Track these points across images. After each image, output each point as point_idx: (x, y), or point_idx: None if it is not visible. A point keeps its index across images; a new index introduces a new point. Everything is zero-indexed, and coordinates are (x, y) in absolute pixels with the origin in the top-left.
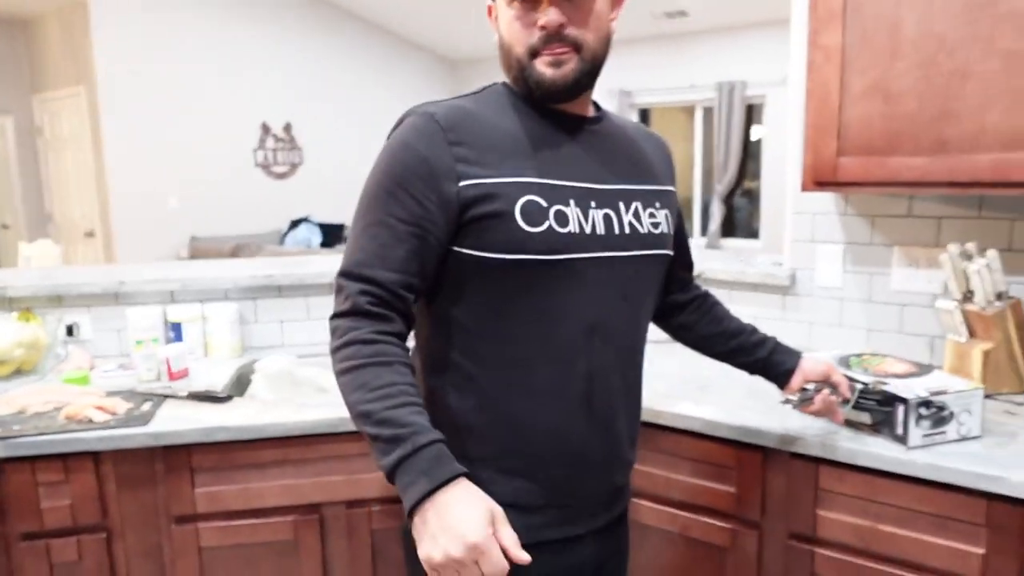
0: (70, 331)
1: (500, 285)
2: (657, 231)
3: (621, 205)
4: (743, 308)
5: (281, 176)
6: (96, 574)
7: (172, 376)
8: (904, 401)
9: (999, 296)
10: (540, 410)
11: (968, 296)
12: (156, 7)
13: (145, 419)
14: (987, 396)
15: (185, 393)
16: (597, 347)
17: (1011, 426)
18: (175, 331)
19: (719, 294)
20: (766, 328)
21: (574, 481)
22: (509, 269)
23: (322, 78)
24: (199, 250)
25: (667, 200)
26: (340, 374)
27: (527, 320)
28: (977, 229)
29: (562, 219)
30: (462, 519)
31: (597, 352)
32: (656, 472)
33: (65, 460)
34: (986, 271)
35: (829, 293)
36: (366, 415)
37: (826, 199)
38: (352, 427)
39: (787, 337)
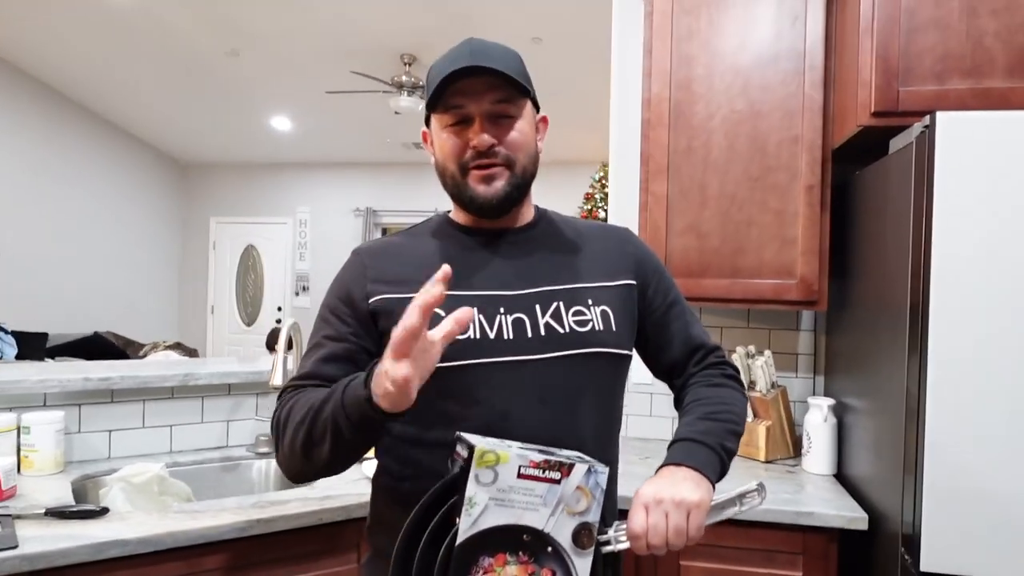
0: None
1: None
2: (584, 329)
3: (537, 308)
4: None
5: None
6: None
7: (1, 496)
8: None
9: (773, 385)
10: None
11: (752, 386)
12: None
13: (8, 541)
14: (769, 461)
15: (41, 510)
16: None
17: (795, 480)
18: None
19: None
20: None
21: None
22: None
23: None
24: None
25: (605, 296)
26: (282, 437)
27: (434, 423)
28: (747, 336)
29: None
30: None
31: None
32: None
33: None
34: (766, 366)
35: (640, 389)
36: (302, 421)
37: None
38: (253, 532)
39: None
